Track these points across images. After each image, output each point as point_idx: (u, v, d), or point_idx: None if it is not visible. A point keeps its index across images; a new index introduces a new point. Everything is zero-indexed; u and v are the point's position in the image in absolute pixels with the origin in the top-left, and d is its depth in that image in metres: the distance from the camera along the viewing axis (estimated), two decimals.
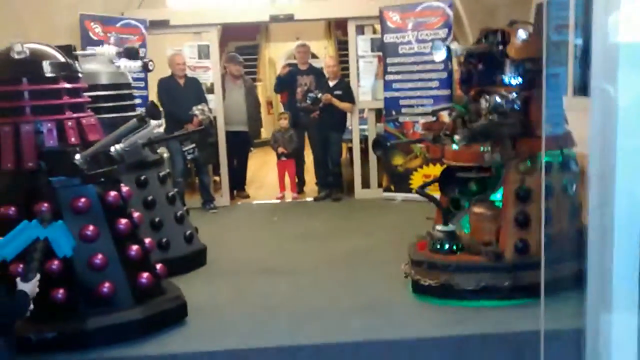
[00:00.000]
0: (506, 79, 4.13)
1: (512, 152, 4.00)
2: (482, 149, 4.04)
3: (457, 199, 4.42)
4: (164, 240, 4.87)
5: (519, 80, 4.11)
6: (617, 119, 2.06)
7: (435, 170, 6.59)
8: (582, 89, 5.61)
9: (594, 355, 2.17)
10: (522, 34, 4.13)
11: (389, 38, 7.41)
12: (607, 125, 2.11)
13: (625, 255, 2.09)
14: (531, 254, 3.96)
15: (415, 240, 4.43)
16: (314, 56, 17.26)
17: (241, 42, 14.00)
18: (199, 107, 6.85)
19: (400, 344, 3.56)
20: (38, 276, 2.52)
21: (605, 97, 2.11)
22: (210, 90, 7.59)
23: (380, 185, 7.70)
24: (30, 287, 2.44)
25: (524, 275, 3.88)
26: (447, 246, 4.13)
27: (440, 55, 4.06)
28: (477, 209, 4.24)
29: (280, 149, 7.85)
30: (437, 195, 4.55)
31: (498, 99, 3.95)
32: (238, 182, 8.19)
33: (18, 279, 2.37)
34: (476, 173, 4.19)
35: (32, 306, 2.53)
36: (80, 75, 3.93)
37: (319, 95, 7.39)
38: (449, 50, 4.01)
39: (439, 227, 4.23)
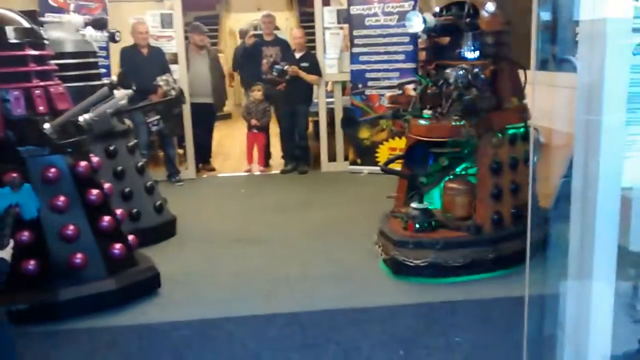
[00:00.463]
0: (469, 53, 4.16)
1: (487, 125, 4.05)
2: (454, 123, 4.03)
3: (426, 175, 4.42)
4: (134, 210, 4.84)
5: (478, 53, 4.15)
6: (603, 94, 2.12)
7: (401, 143, 6.67)
8: (545, 63, 5.76)
9: (573, 320, 2.28)
10: (490, 7, 4.15)
11: (355, 10, 7.41)
12: (593, 102, 2.17)
13: (605, 223, 2.17)
14: (505, 225, 4.08)
15: (385, 218, 4.43)
16: (276, 28, 17.13)
17: (201, 12, 13.70)
18: (163, 77, 6.70)
19: (374, 311, 3.65)
20: (12, 243, 2.50)
21: (590, 72, 2.16)
22: (174, 60, 7.44)
23: (346, 158, 7.76)
24: (4, 253, 2.41)
25: (502, 247, 4.00)
26: (425, 224, 4.10)
27: (417, 25, 4.04)
28: (451, 184, 4.28)
29: (254, 121, 7.79)
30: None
31: (461, 72, 3.96)
32: (203, 155, 8.11)
33: None
34: (450, 148, 4.23)
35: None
36: (46, 42, 3.82)
37: (286, 67, 7.35)
38: (424, 21, 4.01)
39: (414, 205, 4.20)
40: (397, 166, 4.72)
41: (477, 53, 4.16)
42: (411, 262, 3.96)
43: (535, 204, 4.21)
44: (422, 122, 4.20)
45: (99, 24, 4.37)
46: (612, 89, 2.06)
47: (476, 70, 4.02)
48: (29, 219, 2.70)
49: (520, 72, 4.29)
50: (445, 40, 4.37)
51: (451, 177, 4.35)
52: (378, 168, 6.65)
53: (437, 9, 4.34)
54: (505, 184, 4.12)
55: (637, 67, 2.15)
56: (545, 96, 4.89)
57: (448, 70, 4.04)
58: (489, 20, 4.13)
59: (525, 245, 3.18)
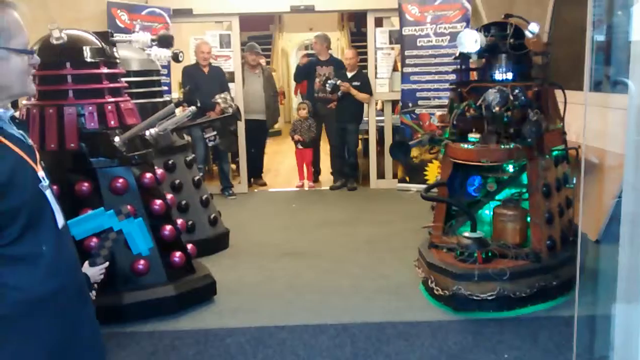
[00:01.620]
0: (509, 74, 4.13)
1: (539, 148, 3.96)
2: (502, 145, 3.94)
3: (472, 201, 4.35)
4: (190, 222, 5.04)
5: (520, 74, 4.12)
6: None
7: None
8: (599, 84, 5.72)
9: (621, 342, 2.29)
10: (535, 27, 4.08)
11: (407, 31, 7.53)
12: None
13: None
14: (557, 250, 3.98)
15: (426, 248, 4.27)
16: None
17: (254, 32, 14.10)
18: (222, 95, 6.97)
19: (423, 326, 3.72)
20: (106, 264, 2.39)
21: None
22: (231, 79, 7.73)
23: (395, 176, 7.84)
24: (93, 271, 2.42)
25: (561, 272, 3.91)
26: (490, 254, 3.91)
27: (470, 46, 4.00)
28: (502, 210, 4.14)
29: (297, 137, 8.00)
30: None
31: (499, 94, 3.84)
32: (255, 170, 8.35)
33: (87, 262, 2.42)
34: (501, 172, 4.19)
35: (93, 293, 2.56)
36: (118, 61, 4.09)
37: (338, 82, 7.52)
38: (478, 41, 4.02)
39: (467, 234, 4.04)
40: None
41: (513, 74, 4.13)
42: (477, 297, 3.74)
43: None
44: (467, 145, 4.06)
45: (166, 41, 4.62)
46: None
47: (516, 91, 3.91)
48: (136, 254, 2.55)
49: (559, 93, 4.25)
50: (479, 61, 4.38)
51: (498, 202, 4.27)
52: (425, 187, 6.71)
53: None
54: (555, 208, 4.05)
55: None
56: (598, 117, 4.88)
57: (493, 91, 3.89)
58: (534, 41, 4.10)
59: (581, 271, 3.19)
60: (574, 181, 4.33)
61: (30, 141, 1.83)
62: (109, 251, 2.44)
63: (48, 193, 1.78)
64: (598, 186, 4.96)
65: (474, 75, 4.71)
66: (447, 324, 3.74)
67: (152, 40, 4.46)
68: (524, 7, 6.90)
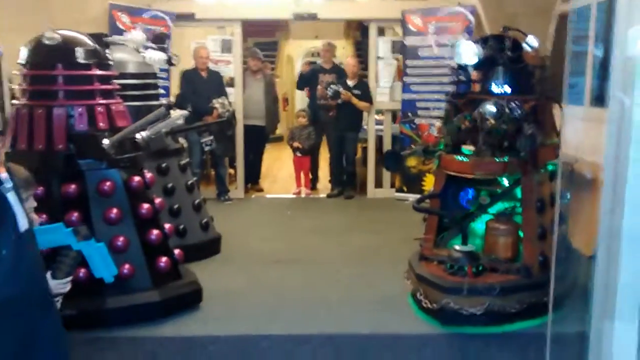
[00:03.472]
0: (505, 87, 4.03)
1: (533, 161, 3.88)
2: (496, 159, 3.89)
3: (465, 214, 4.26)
4: (182, 227, 5.00)
5: (517, 87, 4.02)
6: (632, 131, 2.14)
7: None
8: (599, 99, 5.68)
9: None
10: (533, 41, 4.07)
11: (410, 41, 7.50)
12: (622, 136, 2.19)
13: (631, 263, 2.16)
14: (549, 266, 3.78)
15: (416, 260, 4.22)
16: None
17: (260, 39, 14.12)
18: (219, 100, 6.98)
19: (409, 339, 3.67)
20: (66, 280, 2.40)
21: (622, 108, 2.19)
22: (231, 84, 7.72)
23: (393, 185, 7.80)
24: (52, 283, 2.31)
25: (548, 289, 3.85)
26: (481, 267, 3.86)
27: (467, 57, 3.95)
28: (495, 224, 4.07)
29: (296, 144, 7.96)
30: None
31: (493, 107, 3.81)
32: (253, 176, 8.32)
33: (49, 272, 2.38)
34: (495, 185, 4.13)
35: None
36: (111, 62, 4.07)
37: (340, 88, 7.49)
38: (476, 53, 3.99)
39: (458, 247, 3.97)
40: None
41: (510, 87, 4.05)
42: (465, 311, 3.66)
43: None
44: (461, 157, 4.01)
45: (159, 39, 4.60)
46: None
47: (512, 104, 3.86)
48: (98, 277, 2.53)
49: (556, 108, 4.17)
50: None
51: (491, 216, 4.18)
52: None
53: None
54: (548, 223, 3.94)
55: None
56: (596, 132, 4.82)
57: (489, 104, 3.87)
58: (532, 55, 4.07)
59: (570, 287, 3.13)
60: (568, 197, 4.26)
61: None
62: (71, 268, 2.40)
63: (10, 196, 1.75)
64: (592, 201, 4.89)
65: (476, 87, 4.68)
66: (434, 337, 3.68)
67: (147, 38, 4.43)
68: (527, 21, 6.86)
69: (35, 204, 2.42)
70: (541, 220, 3.93)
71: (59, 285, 2.35)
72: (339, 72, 8.11)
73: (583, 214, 5.03)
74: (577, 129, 5.75)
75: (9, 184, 1.78)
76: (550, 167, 4.07)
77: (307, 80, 8.39)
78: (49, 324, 1.90)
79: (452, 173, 4.11)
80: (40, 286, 1.90)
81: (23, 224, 1.81)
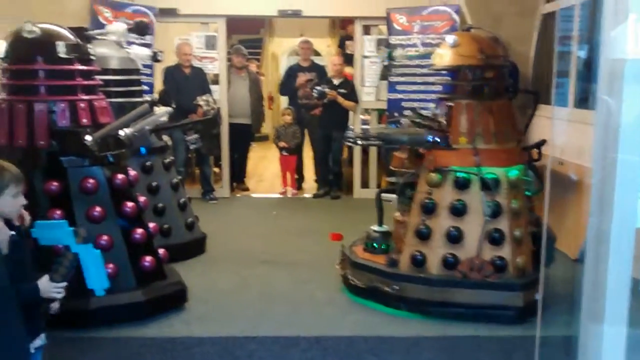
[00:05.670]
0: None
1: (418, 162, 4.11)
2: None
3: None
4: (166, 226, 4.92)
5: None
6: (619, 133, 2.12)
7: None
8: (584, 101, 5.70)
9: None
10: (449, 39, 4.14)
11: (394, 40, 7.47)
12: (610, 138, 2.17)
13: (619, 267, 2.14)
14: (427, 268, 3.93)
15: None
16: (317, 53, 17.33)
17: (245, 36, 14.01)
18: (204, 97, 6.90)
19: (398, 341, 3.63)
20: (63, 284, 2.35)
21: (609, 110, 2.16)
22: (215, 81, 7.63)
23: (379, 185, 7.75)
24: (47, 287, 2.29)
25: (410, 288, 3.91)
26: (384, 247, 4.27)
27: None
28: (396, 215, 4.33)
29: (282, 144, 7.89)
30: None
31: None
32: (238, 175, 8.23)
33: (46, 275, 2.34)
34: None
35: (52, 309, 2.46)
36: (93, 57, 3.97)
37: (326, 88, 7.44)
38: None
39: (374, 227, 4.41)
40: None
41: None
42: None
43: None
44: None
45: (140, 29, 4.50)
46: (628, 129, 2.05)
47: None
48: (90, 288, 2.50)
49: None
50: None
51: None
52: None
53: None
54: (437, 227, 3.94)
55: None
56: (581, 134, 4.84)
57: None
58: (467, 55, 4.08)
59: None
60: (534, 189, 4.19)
61: None
62: (68, 272, 2.34)
63: None
64: (578, 204, 4.90)
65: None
66: (422, 340, 3.65)
67: (128, 29, 4.33)
68: (512, 22, 6.88)
69: (25, 201, 2.38)
70: (427, 220, 3.97)
71: (56, 289, 2.32)
72: (318, 70, 8.07)
73: (569, 217, 5.05)
74: (562, 131, 5.77)
75: None
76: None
77: (288, 84, 8.26)
78: (8, 318, 1.90)
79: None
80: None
81: None
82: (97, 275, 2.49)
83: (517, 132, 4.26)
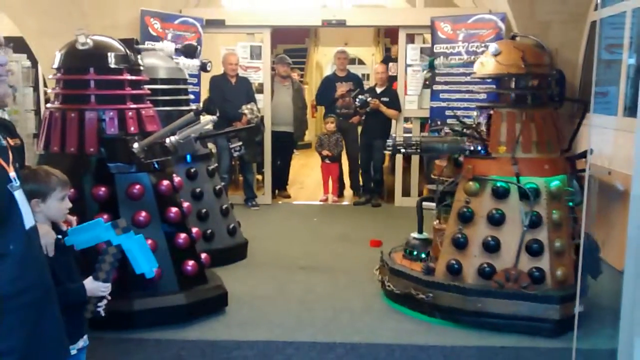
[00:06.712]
0: None
1: (457, 170, 4.09)
2: None
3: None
4: (209, 231, 5.04)
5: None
6: None
7: None
8: (634, 109, 5.55)
9: None
10: (491, 47, 4.10)
11: (439, 48, 7.45)
12: None
13: None
14: (463, 277, 3.89)
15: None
16: (361, 62, 17.38)
17: (290, 45, 14.21)
18: (248, 106, 7.04)
19: (434, 350, 3.62)
20: (107, 284, 2.44)
21: None
22: (260, 90, 7.77)
23: (420, 193, 7.72)
24: (92, 286, 2.38)
25: (444, 296, 3.88)
26: (423, 254, 4.29)
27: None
28: (435, 223, 4.31)
29: (325, 152, 7.96)
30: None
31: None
32: (280, 182, 8.34)
33: (90, 276, 2.43)
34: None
35: (100, 307, 2.51)
36: (141, 68, 4.12)
37: (369, 98, 7.48)
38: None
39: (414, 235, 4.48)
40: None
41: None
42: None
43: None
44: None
45: (189, 51, 4.65)
46: None
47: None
48: (139, 273, 2.48)
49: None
50: None
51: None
52: None
53: None
54: (474, 236, 3.92)
55: None
56: (628, 143, 4.72)
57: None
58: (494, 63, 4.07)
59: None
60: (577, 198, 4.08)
61: (4, 142, 1.85)
62: (111, 267, 2.41)
63: (17, 194, 1.81)
64: (625, 214, 4.77)
65: None
66: (458, 349, 3.63)
67: (177, 50, 4.49)
68: (560, 29, 6.76)
69: (70, 204, 2.49)
70: (464, 229, 3.96)
71: (101, 288, 2.40)
72: (354, 79, 8.13)
73: (615, 228, 4.92)
74: (608, 140, 5.63)
75: (17, 183, 1.83)
76: (501, 184, 3.89)
77: (326, 94, 8.31)
78: (52, 315, 1.97)
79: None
80: (46, 280, 1.98)
81: (29, 221, 1.87)
82: (144, 258, 2.48)
83: (561, 142, 4.20)
